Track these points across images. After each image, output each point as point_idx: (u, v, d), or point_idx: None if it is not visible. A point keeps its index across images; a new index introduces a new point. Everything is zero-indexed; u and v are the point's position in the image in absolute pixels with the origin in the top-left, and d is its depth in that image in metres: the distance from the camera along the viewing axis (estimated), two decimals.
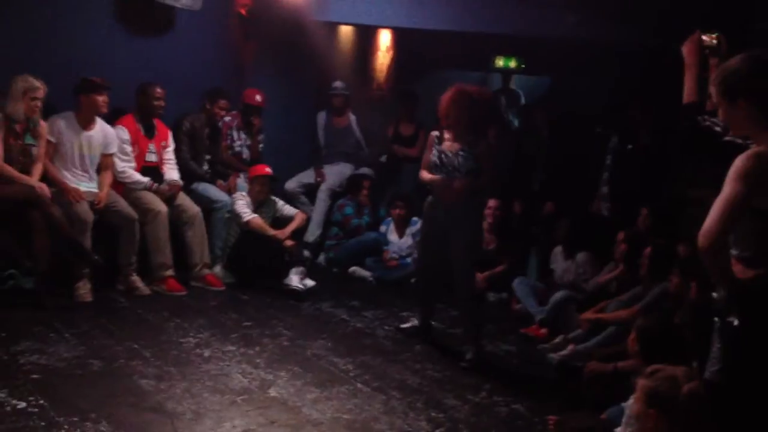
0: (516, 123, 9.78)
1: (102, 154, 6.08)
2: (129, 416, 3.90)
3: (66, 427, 3.70)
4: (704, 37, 3.45)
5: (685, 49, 3.45)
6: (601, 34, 7.28)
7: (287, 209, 7.05)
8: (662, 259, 5.18)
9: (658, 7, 6.68)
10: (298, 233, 7.11)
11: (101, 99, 5.89)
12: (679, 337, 3.66)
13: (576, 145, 7.28)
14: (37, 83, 5.50)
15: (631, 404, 3.22)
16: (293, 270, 6.55)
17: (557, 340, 5.55)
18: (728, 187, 2.62)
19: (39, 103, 5.56)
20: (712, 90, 3.07)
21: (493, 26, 7.70)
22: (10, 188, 5.38)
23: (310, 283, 6.61)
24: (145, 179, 6.33)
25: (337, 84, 8.06)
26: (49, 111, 5.80)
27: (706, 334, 3.47)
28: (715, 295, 3.18)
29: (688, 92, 3.30)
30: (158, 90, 6.41)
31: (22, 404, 3.86)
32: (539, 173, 7.51)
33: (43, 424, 3.68)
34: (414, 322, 5.79)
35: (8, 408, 3.81)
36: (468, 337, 5.39)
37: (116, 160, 6.23)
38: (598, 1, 6.97)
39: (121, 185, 6.26)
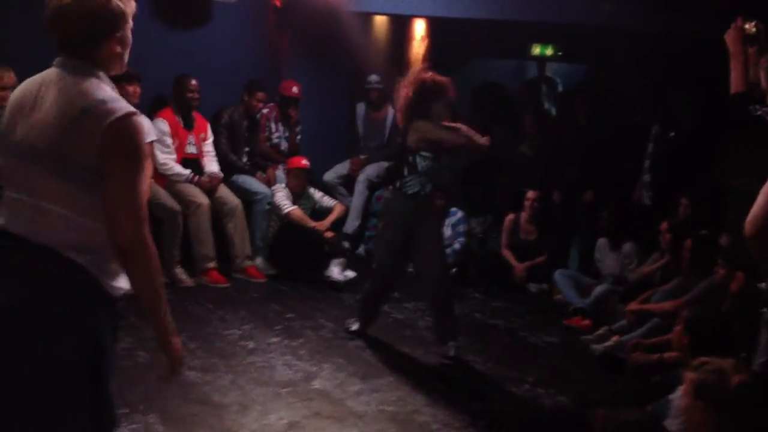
0: (553, 111, 9.70)
1: None
2: (177, 408, 3.97)
3: None
4: (744, 26, 3.40)
5: (729, 38, 3.40)
6: (639, 21, 7.19)
7: (326, 201, 7.09)
8: (705, 249, 5.13)
9: None
10: (338, 225, 7.15)
11: (131, 89, 5.89)
12: (727, 329, 3.62)
13: (615, 133, 7.21)
14: None
15: (678, 397, 3.20)
16: (333, 261, 6.60)
17: (600, 331, 5.51)
18: None
19: None
20: (762, 75, 3.03)
21: (528, 14, 7.64)
22: None
23: (350, 274, 6.65)
24: (187, 171, 6.40)
25: (372, 78, 7.99)
26: None
27: (753, 325, 3.45)
28: (762, 285, 3.15)
29: (735, 82, 3.25)
30: (192, 82, 6.47)
31: None
32: (578, 162, 7.44)
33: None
34: (358, 324, 5.37)
35: None
36: (446, 332, 5.09)
37: (157, 153, 6.30)
38: None
39: (163, 178, 6.34)
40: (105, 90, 2.25)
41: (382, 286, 5.34)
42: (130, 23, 2.34)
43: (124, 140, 2.20)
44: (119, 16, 2.28)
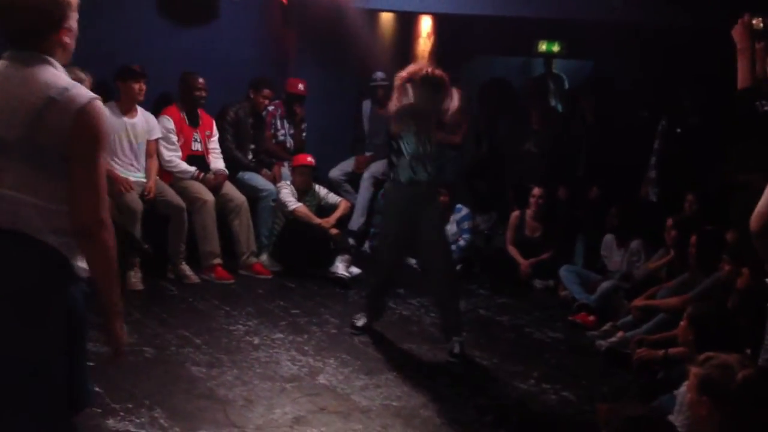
0: (560, 108, 9.68)
1: (147, 140, 6.17)
2: (182, 403, 3.99)
3: (122, 413, 3.79)
4: (752, 21, 3.39)
5: (735, 33, 3.39)
6: (646, 16, 7.18)
7: (331, 197, 7.09)
8: (710, 245, 5.12)
9: None
10: (343, 221, 7.15)
11: (137, 86, 5.92)
12: (732, 325, 3.61)
13: (622, 129, 7.19)
14: (83, 75, 5.55)
15: (683, 392, 3.19)
16: (339, 258, 6.60)
17: (606, 327, 5.51)
18: None
19: None
20: None
21: (535, 10, 7.64)
22: None
23: (355, 270, 6.65)
24: (192, 168, 6.41)
25: (378, 75, 7.98)
26: None
27: (759, 321, 3.43)
28: None
29: (742, 77, 3.24)
30: (200, 80, 6.47)
31: None
32: (584, 158, 7.43)
33: (99, 410, 3.75)
34: (365, 320, 5.37)
35: None
36: (451, 327, 5.06)
37: (163, 150, 6.31)
38: None
39: (168, 175, 6.35)
40: (63, 78, 2.31)
41: (384, 280, 5.35)
42: (77, 14, 2.38)
43: (92, 125, 2.28)
44: (66, 6, 2.32)
